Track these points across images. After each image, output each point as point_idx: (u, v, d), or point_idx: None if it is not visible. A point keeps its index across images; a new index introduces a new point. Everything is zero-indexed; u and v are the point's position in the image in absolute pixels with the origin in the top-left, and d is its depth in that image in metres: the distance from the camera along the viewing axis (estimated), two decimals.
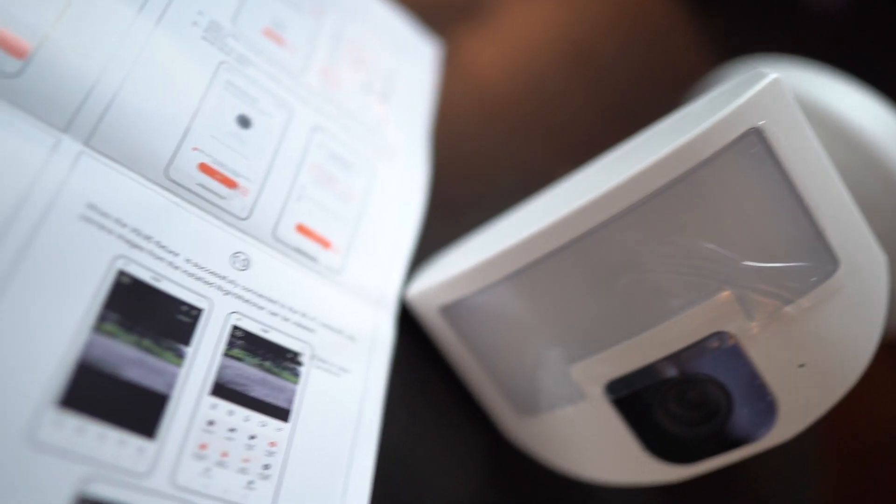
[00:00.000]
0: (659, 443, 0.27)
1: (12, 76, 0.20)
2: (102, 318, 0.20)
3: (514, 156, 0.40)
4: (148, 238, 0.22)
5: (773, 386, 0.25)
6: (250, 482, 0.22)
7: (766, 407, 0.25)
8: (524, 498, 0.31)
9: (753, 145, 0.22)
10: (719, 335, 0.24)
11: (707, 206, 0.23)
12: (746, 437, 0.26)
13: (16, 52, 0.20)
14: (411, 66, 0.35)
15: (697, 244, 0.24)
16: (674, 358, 0.25)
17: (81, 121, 0.21)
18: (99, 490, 0.19)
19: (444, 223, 0.33)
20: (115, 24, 0.23)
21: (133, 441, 0.20)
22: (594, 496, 0.33)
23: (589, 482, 0.30)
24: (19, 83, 0.20)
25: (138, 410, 0.20)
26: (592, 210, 0.23)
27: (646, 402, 0.27)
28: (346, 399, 0.25)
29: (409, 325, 0.30)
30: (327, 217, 0.27)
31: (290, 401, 0.24)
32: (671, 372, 0.26)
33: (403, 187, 0.31)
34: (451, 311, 0.28)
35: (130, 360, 0.20)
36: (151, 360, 0.21)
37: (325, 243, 0.27)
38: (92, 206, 0.21)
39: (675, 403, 0.26)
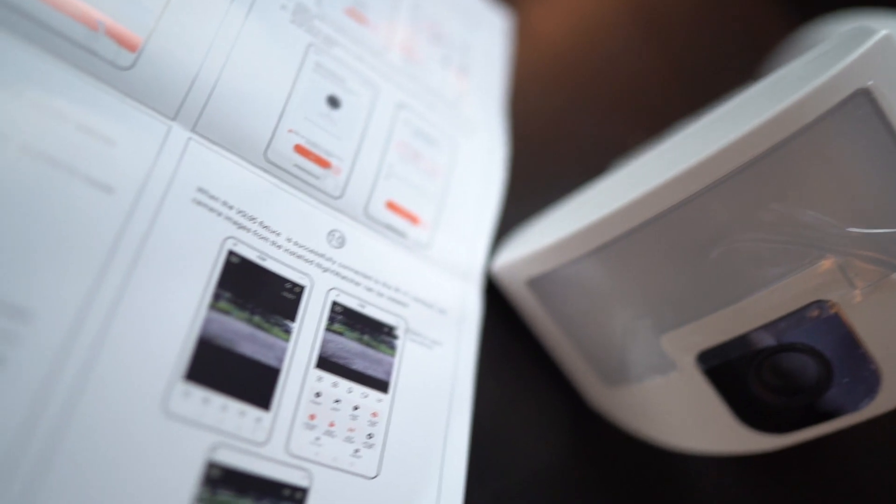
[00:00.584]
0: (752, 412, 0.27)
1: (127, 69, 0.21)
2: (217, 297, 0.21)
3: (588, 125, 0.40)
4: (252, 219, 0.23)
5: (875, 355, 0.24)
6: (356, 450, 0.23)
7: (868, 376, 0.25)
8: (611, 466, 0.31)
9: (861, 107, 0.22)
10: (819, 304, 0.24)
11: (809, 171, 0.22)
12: (845, 408, 0.26)
13: (129, 45, 0.21)
14: (485, 38, 0.35)
15: (798, 211, 0.23)
16: (770, 327, 0.25)
17: (188, 108, 0.22)
18: (225, 457, 0.20)
19: (520, 194, 0.33)
20: (211, 13, 0.23)
21: (251, 412, 0.21)
22: (682, 465, 0.33)
23: (678, 451, 0.30)
24: (133, 75, 0.21)
25: (254, 383, 0.21)
26: (689, 179, 0.23)
27: (739, 372, 0.26)
28: (439, 371, 0.26)
29: (493, 297, 0.30)
30: (414, 193, 0.28)
31: (389, 373, 0.25)
32: (767, 341, 0.25)
33: (484, 161, 0.31)
34: (537, 283, 0.28)
35: (244, 335, 0.21)
36: (262, 335, 0.22)
37: (413, 219, 0.27)
38: (202, 190, 0.22)
39: (770, 373, 0.26)
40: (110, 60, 0.21)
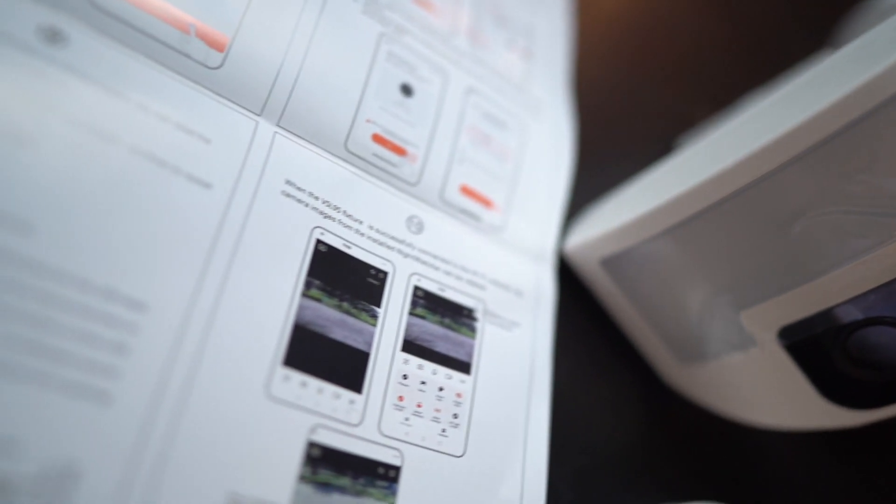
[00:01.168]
0: (837, 388, 0.26)
1: (216, 69, 0.22)
2: (308, 284, 0.22)
3: (653, 100, 0.39)
4: (337, 208, 0.24)
5: None
6: (443, 430, 0.24)
7: None
8: (689, 443, 0.31)
9: None
10: None
11: None
12: None
13: (217, 46, 0.22)
14: (548, 17, 0.34)
15: (888, 181, 0.22)
16: (857, 301, 0.24)
17: (272, 104, 0.23)
18: (323, 437, 0.21)
19: (587, 174, 0.33)
20: (289, 9, 0.24)
21: (345, 394, 0.22)
22: (762, 440, 0.33)
23: (758, 427, 0.30)
24: (221, 74, 0.22)
25: (346, 367, 0.22)
26: (773, 151, 0.22)
27: (823, 347, 0.26)
28: (518, 351, 0.27)
29: (566, 277, 0.30)
30: (487, 177, 0.28)
31: (470, 354, 0.25)
32: (853, 315, 0.25)
33: (553, 142, 0.31)
34: (612, 262, 0.28)
35: (335, 321, 0.22)
36: (351, 320, 0.23)
37: (487, 203, 0.28)
38: (290, 182, 0.23)
39: (856, 348, 0.26)
40: (201, 61, 0.22)
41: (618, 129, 0.37)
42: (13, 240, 0.17)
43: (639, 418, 0.31)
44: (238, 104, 0.22)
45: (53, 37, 0.19)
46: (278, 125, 0.23)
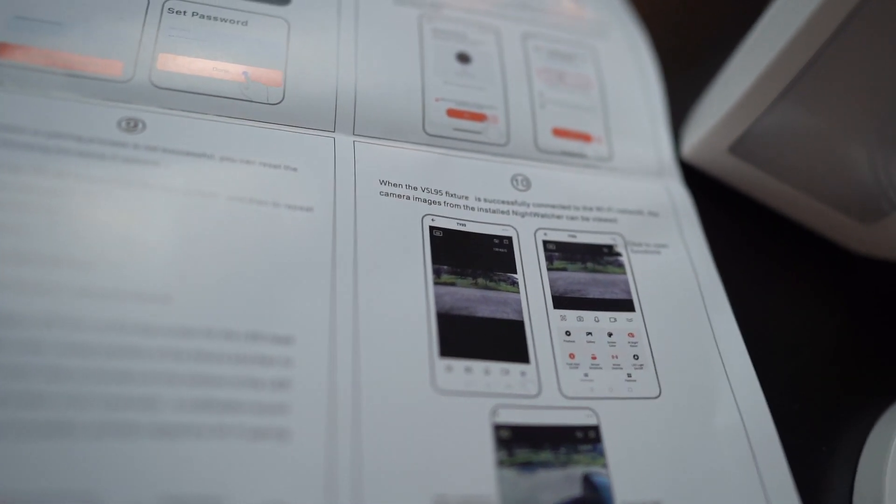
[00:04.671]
0: None
1: (280, 103, 0.22)
2: (437, 272, 0.21)
3: None
4: (438, 192, 0.23)
5: None
6: (628, 375, 0.22)
7: None
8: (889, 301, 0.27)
9: None
10: None
11: None
12: None
13: (274, 83, 0.22)
14: None
15: None
16: None
17: (342, 117, 0.23)
18: (507, 416, 0.20)
19: (679, 73, 0.31)
20: (327, 27, 0.24)
21: (513, 368, 0.20)
22: None
23: None
24: (286, 106, 0.22)
25: (504, 340, 0.21)
26: None
27: None
28: (677, 271, 0.24)
29: (697, 182, 0.28)
30: (576, 112, 0.26)
31: (627, 290, 0.23)
32: None
33: (630, 54, 0.29)
34: (742, 146, 0.25)
35: (476, 299, 0.21)
36: (492, 294, 0.22)
37: (585, 137, 0.26)
38: (384, 182, 0.22)
39: None
40: (264, 101, 0.22)
41: (690, 17, 0.34)
42: (157, 312, 0.17)
43: (835, 299, 0.27)
44: (310, 128, 0.22)
45: (132, 126, 0.20)
46: (354, 134, 0.23)
